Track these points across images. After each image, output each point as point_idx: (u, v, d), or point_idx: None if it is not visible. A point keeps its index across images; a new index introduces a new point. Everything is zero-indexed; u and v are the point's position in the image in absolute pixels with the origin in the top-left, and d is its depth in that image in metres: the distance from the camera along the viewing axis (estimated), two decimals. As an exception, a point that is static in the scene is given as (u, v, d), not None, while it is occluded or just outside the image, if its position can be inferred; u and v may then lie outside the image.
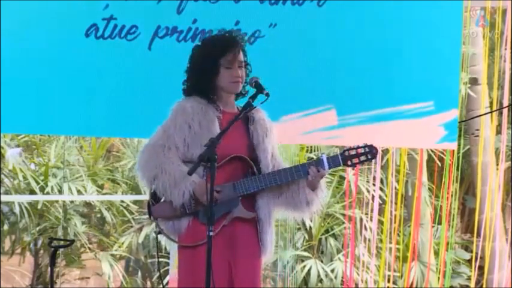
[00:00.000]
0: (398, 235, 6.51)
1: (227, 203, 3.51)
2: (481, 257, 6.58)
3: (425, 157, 6.92)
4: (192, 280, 3.48)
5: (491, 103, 6.86)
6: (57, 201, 6.82)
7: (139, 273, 7.35)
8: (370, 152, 3.53)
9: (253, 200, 3.56)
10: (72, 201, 6.91)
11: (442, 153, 6.85)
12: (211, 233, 3.25)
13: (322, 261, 6.97)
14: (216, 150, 3.36)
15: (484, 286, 6.80)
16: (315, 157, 6.51)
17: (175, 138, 3.53)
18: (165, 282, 6.18)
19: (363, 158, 3.53)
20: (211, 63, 3.54)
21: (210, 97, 3.58)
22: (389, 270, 6.62)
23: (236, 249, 3.52)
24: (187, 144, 3.50)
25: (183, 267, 3.54)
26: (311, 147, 7.05)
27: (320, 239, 7.08)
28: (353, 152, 3.52)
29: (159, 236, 3.62)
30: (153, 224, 6.86)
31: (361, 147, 3.54)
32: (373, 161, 5.25)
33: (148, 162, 3.53)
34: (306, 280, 6.93)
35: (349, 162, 3.53)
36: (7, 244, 7.06)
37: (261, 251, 3.57)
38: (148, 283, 7.35)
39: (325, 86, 4.90)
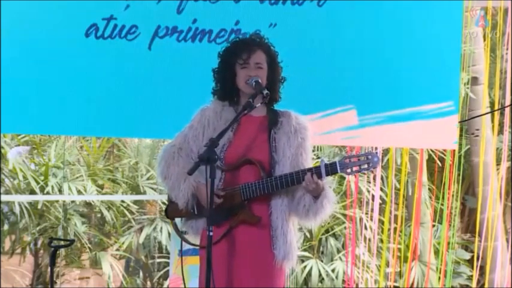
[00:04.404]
0: (399, 235, 6.50)
1: (233, 206, 3.49)
2: (481, 257, 6.57)
3: (425, 157, 6.91)
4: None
5: (491, 103, 6.86)
6: (57, 201, 6.81)
7: (140, 274, 7.35)
8: (371, 161, 3.41)
9: (267, 205, 3.53)
10: (72, 201, 6.90)
11: (443, 153, 6.85)
12: (211, 233, 3.28)
13: (322, 261, 6.97)
14: (237, 153, 3.47)
15: (485, 286, 6.80)
16: (314, 157, 6.50)
17: (190, 141, 3.58)
18: (166, 283, 6.16)
19: (364, 166, 3.42)
20: (228, 64, 3.58)
21: (233, 100, 3.60)
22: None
23: (244, 253, 3.49)
24: (202, 147, 3.48)
25: (202, 267, 3.53)
26: (315, 147, 7.01)
27: (320, 239, 7.07)
28: (353, 160, 3.43)
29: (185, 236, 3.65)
30: (154, 224, 6.94)
31: (362, 155, 3.45)
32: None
33: (161, 162, 3.60)
34: (306, 280, 6.93)
35: (348, 170, 3.42)
36: (7, 244, 7.05)
37: (275, 256, 3.49)
38: (149, 283, 7.34)
39: (326, 86, 4.91)
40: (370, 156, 3.43)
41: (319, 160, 3.50)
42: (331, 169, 3.44)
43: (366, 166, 3.43)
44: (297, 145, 3.56)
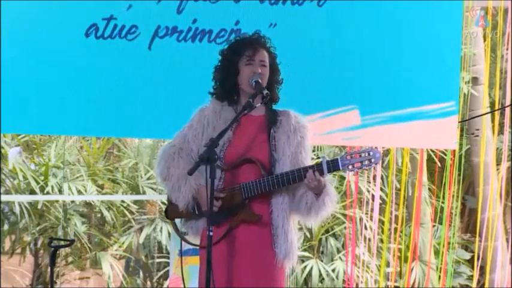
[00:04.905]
0: (400, 236, 6.51)
1: (234, 206, 3.48)
2: (481, 257, 6.58)
3: (425, 157, 6.92)
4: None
5: (491, 103, 6.86)
6: (57, 201, 6.81)
7: (140, 274, 7.35)
8: (373, 157, 3.42)
9: (267, 203, 3.52)
10: (72, 201, 6.90)
11: (443, 153, 6.85)
12: (211, 233, 3.27)
13: (322, 261, 6.97)
14: (236, 152, 3.46)
15: (485, 286, 6.80)
16: (315, 157, 6.50)
17: (189, 141, 3.57)
18: (166, 283, 6.16)
19: (365, 162, 3.42)
20: (231, 62, 3.57)
21: (232, 100, 3.59)
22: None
23: (244, 253, 3.48)
24: (202, 147, 3.47)
25: (202, 267, 3.53)
26: (315, 147, 7.01)
27: (320, 239, 7.07)
28: (355, 157, 3.42)
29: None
30: (154, 224, 6.94)
31: (363, 151, 3.44)
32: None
33: (161, 163, 3.59)
34: (306, 280, 6.93)
35: (350, 167, 3.42)
36: (7, 244, 7.06)
37: (276, 254, 3.49)
38: (149, 283, 7.34)
39: (326, 86, 4.90)
40: (371, 153, 3.43)
41: (320, 159, 3.49)
42: (332, 165, 3.43)
43: (367, 162, 3.43)
44: (296, 144, 3.56)
